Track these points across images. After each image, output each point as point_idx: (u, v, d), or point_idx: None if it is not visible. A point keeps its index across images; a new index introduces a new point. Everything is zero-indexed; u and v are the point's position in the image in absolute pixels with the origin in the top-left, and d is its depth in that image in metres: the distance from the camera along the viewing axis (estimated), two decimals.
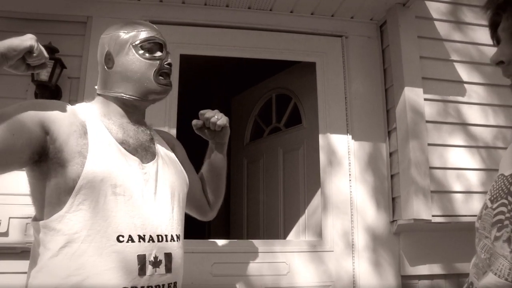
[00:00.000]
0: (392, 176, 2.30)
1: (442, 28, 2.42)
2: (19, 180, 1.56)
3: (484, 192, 2.23)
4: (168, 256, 1.15)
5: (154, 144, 1.29)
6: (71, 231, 1.05)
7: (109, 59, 1.25)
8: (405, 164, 2.15)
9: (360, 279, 2.15)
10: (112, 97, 1.25)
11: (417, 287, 2.20)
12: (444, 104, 2.32)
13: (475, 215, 2.39)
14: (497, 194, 0.84)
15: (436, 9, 2.44)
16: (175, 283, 1.17)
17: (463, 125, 2.32)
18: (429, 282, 2.21)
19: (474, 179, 2.25)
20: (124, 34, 1.25)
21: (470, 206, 2.20)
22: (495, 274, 0.77)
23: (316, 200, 2.53)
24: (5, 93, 1.97)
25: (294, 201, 2.75)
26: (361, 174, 2.27)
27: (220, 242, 2.13)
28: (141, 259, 1.09)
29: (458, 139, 2.29)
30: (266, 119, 3.17)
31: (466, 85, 2.38)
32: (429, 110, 2.27)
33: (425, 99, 2.25)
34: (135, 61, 1.23)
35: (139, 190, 1.14)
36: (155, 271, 1.11)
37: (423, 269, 2.20)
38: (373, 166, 2.30)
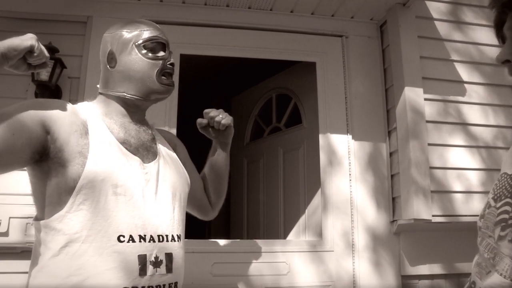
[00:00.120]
0: (392, 176, 2.30)
1: (442, 28, 2.42)
2: (19, 180, 1.57)
3: (485, 192, 2.24)
4: (169, 256, 1.15)
5: (155, 143, 1.29)
6: (71, 231, 1.05)
7: (111, 58, 1.25)
8: (405, 164, 2.15)
9: (360, 279, 2.15)
10: (114, 96, 1.25)
11: (417, 287, 2.20)
12: (444, 104, 2.32)
13: (475, 215, 2.39)
14: (501, 193, 0.84)
15: (436, 9, 2.44)
16: (175, 283, 1.16)
17: (463, 125, 2.32)
18: (429, 282, 2.21)
19: (474, 179, 2.25)
20: (127, 33, 1.25)
21: (470, 206, 2.20)
22: (500, 274, 0.77)
23: (316, 200, 2.53)
24: (5, 93, 1.97)
25: (294, 201, 2.75)
26: (361, 174, 2.27)
27: (220, 242, 2.13)
28: (142, 259, 1.09)
29: (458, 139, 2.29)
30: (266, 119, 3.17)
31: (466, 85, 2.38)
32: (429, 110, 2.27)
33: (425, 99, 2.25)
34: (138, 60, 1.23)
35: (140, 190, 1.14)
36: (156, 271, 1.11)
37: (423, 269, 2.20)
38: (373, 166, 2.30)
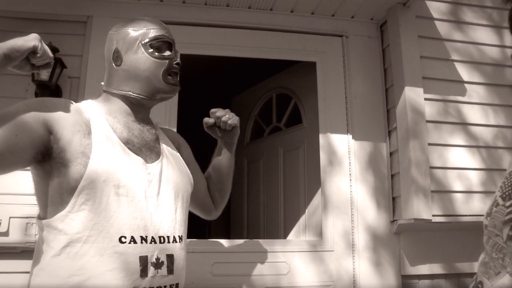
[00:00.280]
0: (392, 176, 2.29)
1: (443, 28, 2.42)
2: (19, 180, 1.57)
3: (485, 192, 2.24)
4: (170, 257, 1.14)
5: (159, 143, 1.28)
6: (73, 231, 1.05)
7: (117, 57, 1.24)
8: (406, 163, 2.15)
9: (361, 279, 2.15)
10: (118, 95, 1.24)
11: (417, 287, 2.20)
12: (444, 103, 2.32)
13: (476, 215, 2.40)
14: (510, 191, 0.83)
15: (436, 9, 2.44)
16: (177, 285, 1.16)
17: (463, 124, 2.32)
18: (430, 282, 2.21)
19: (474, 179, 2.25)
20: (133, 32, 1.24)
21: (471, 206, 2.20)
22: (511, 275, 0.77)
23: (317, 199, 2.53)
24: (5, 92, 1.97)
25: (294, 200, 2.75)
26: (362, 174, 2.27)
27: (221, 241, 2.13)
28: (143, 260, 1.08)
29: (459, 139, 2.29)
30: (267, 119, 3.17)
31: (466, 85, 2.38)
32: (430, 109, 2.26)
33: (426, 99, 2.25)
34: (144, 59, 1.22)
35: (142, 191, 1.14)
36: (157, 273, 1.10)
37: (424, 269, 2.20)
38: (374, 166, 2.30)
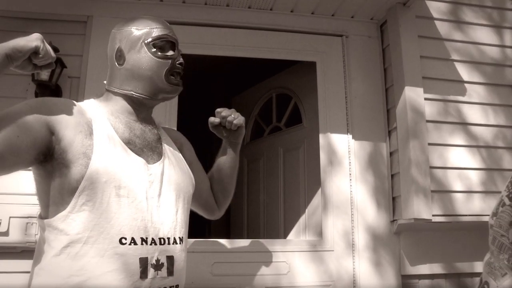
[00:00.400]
0: (392, 176, 2.29)
1: (443, 28, 2.42)
2: (19, 180, 1.57)
3: (485, 192, 2.24)
4: (170, 259, 1.14)
5: (161, 143, 1.28)
6: (73, 232, 1.05)
7: (120, 56, 1.24)
8: (406, 163, 2.15)
9: (361, 279, 2.15)
10: (120, 94, 1.24)
11: (417, 286, 2.20)
12: (444, 103, 2.32)
13: (476, 215, 2.40)
14: None
15: (436, 9, 2.44)
16: (177, 286, 1.16)
17: (463, 124, 2.32)
18: (430, 282, 2.21)
19: (474, 179, 2.25)
20: (136, 31, 1.24)
21: (471, 206, 2.21)
22: None
23: (317, 199, 2.53)
24: (5, 92, 1.97)
25: (294, 200, 2.75)
26: (362, 174, 2.27)
27: (221, 241, 2.13)
28: (143, 262, 1.08)
29: (459, 139, 2.29)
30: (267, 119, 3.17)
31: (466, 85, 2.38)
32: (430, 109, 2.26)
33: (426, 99, 2.25)
34: (147, 59, 1.22)
35: (143, 192, 1.14)
36: (157, 274, 1.10)
37: (424, 269, 2.20)
38: (374, 166, 2.30)
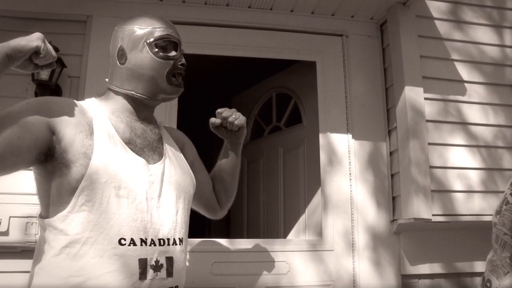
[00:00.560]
0: (392, 176, 2.30)
1: (443, 27, 2.42)
2: (19, 179, 1.57)
3: (485, 192, 2.24)
4: (170, 260, 1.14)
5: (162, 143, 1.27)
6: (73, 232, 1.05)
7: (122, 54, 1.23)
8: (406, 163, 2.15)
9: (360, 278, 2.15)
10: (122, 93, 1.23)
11: (417, 286, 2.20)
12: (444, 103, 2.32)
13: (476, 215, 2.40)
14: None
15: (436, 8, 2.44)
16: (176, 287, 1.16)
17: (463, 124, 2.32)
18: (430, 282, 2.21)
19: (474, 179, 2.25)
20: (139, 30, 1.22)
21: (471, 206, 2.21)
22: None
23: (316, 199, 2.53)
24: (5, 92, 1.97)
25: (294, 200, 2.75)
26: (362, 173, 2.27)
27: (220, 241, 2.13)
28: (143, 263, 1.08)
29: (459, 139, 2.29)
30: (266, 119, 3.17)
31: (466, 84, 2.38)
32: (430, 109, 2.27)
33: (426, 98, 2.25)
34: (148, 59, 1.21)
35: (143, 192, 1.13)
36: (156, 275, 1.10)
37: (424, 268, 2.20)
38: (374, 165, 2.30)
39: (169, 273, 1.13)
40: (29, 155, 1.02)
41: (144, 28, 1.23)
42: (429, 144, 2.20)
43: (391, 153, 2.32)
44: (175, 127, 2.11)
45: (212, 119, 1.41)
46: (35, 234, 1.84)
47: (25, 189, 1.73)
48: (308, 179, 2.66)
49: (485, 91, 2.40)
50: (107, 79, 1.28)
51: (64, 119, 1.08)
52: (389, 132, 2.34)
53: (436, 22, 2.42)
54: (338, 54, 2.42)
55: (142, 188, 1.13)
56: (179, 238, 1.18)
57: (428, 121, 2.23)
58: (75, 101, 1.17)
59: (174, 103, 2.15)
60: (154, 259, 1.11)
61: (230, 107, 1.44)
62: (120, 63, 1.23)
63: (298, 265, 2.13)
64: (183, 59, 1.27)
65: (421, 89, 2.22)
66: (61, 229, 1.05)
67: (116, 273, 1.05)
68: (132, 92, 1.22)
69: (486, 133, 2.34)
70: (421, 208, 2.06)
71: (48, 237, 1.07)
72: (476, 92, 2.38)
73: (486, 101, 2.38)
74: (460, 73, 2.38)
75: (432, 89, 2.29)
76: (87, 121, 1.12)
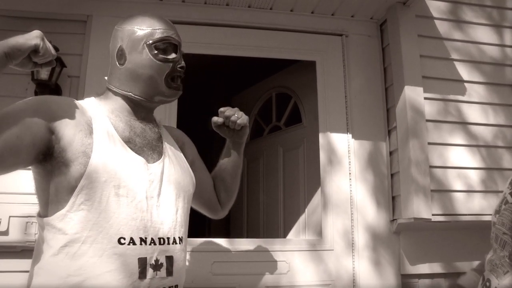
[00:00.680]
0: (392, 175, 2.30)
1: (442, 27, 2.42)
2: (19, 179, 1.56)
3: (485, 191, 2.24)
4: (170, 259, 1.14)
5: (161, 142, 1.27)
6: (72, 231, 1.05)
7: (121, 55, 1.22)
8: (405, 163, 2.15)
9: (360, 278, 2.15)
10: (120, 94, 1.23)
11: (417, 286, 2.20)
12: (444, 103, 2.32)
13: (475, 214, 2.39)
14: None
15: (436, 8, 2.44)
16: (176, 286, 1.16)
17: (463, 124, 2.32)
18: (429, 281, 2.21)
19: (474, 178, 2.25)
20: (139, 31, 1.21)
21: (470, 205, 2.21)
22: None
23: (316, 199, 2.53)
24: (5, 91, 1.96)
25: (294, 200, 2.75)
26: (361, 173, 2.27)
27: (220, 241, 2.13)
28: (142, 262, 1.08)
29: (458, 138, 2.29)
30: (266, 118, 3.17)
31: (466, 84, 2.38)
32: (429, 109, 2.26)
33: (425, 98, 2.25)
34: (148, 61, 1.20)
35: (143, 191, 1.13)
36: (156, 274, 1.10)
37: (423, 268, 2.20)
38: (373, 165, 2.30)
39: (169, 272, 1.13)
40: (28, 154, 1.02)
41: (144, 29, 1.22)
42: (429, 143, 2.20)
43: (391, 153, 2.32)
44: (175, 127, 2.11)
45: (215, 118, 1.40)
46: (35, 234, 1.84)
47: (25, 188, 1.72)
48: (308, 179, 2.66)
49: (485, 90, 2.40)
50: (106, 77, 1.27)
51: (63, 118, 1.08)
52: (389, 131, 2.34)
53: (436, 21, 2.42)
54: (338, 54, 2.42)
55: (141, 187, 1.13)
56: (179, 237, 1.18)
57: (428, 120, 2.23)
58: (74, 100, 1.17)
59: (174, 102, 2.15)
60: (154, 258, 1.10)
61: (231, 107, 1.43)
62: (119, 64, 1.23)
63: (298, 265, 2.13)
64: (183, 62, 1.26)
65: (421, 89, 2.22)
66: (60, 228, 1.05)
67: (115, 272, 1.04)
68: (130, 93, 1.22)
69: (486, 133, 2.34)
70: (421, 208, 2.06)
71: (47, 236, 1.07)
72: (476, 91, 2.38)
73: (486, 101, 2.38)
74: (460, 72, 2.38)
75: (432, 89, 2.29)
76: (86, 120, 1.12)
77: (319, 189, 2.30)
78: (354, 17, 2.45)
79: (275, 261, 2.11)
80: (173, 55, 1.23)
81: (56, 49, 1.97)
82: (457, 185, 2.22)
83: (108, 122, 1.16)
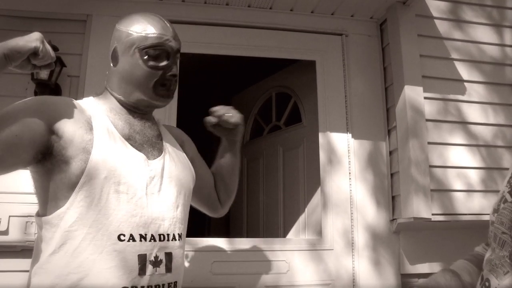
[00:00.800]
0: (392, 175, 2.30)
1: (442, 27, 2.42)
2: (19, 179, 1.56)
3: (485, 191, 2.24)
4: (169, 255, 1.14)
5: (161, 139, 1.27)
6: (72, 228, 1.05)
7: (115, 57, 1.22)
8: (405, 162, 2.15)
9: (360, 278, 2.15)
10: (115, 96, 1.23)
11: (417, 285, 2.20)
12: (444, 102, 2.32)
13: (475, 214, 2.39)
14: None
15: (436, 7, 2.44)
16: (175, 283, 1.16)
17: (463, 123, 2.32)
18: None
19: (474, 178, 2.25)
20: (132, 34, 1.20)
21: (470, 205, 2.21)
22: None
23: (316, 198, 2.53)
24: (5, 91, 1.96)
25: (294, 199, 2.75)
26: (361, 173, 2.27)
27: (220, 240, 2.13)
28: (142, 258, 1.08)
29: (458, 138, 2.29)
30: (266, 118, 3.17)
31: (466, 84, 2.37)
32: (429, 108, 2.26)
33: (425, 98, 2.24)
34: (137, 66, 1.18)
35: (143, 188, 1.13)
36: (155, 271, 1.10)
37: (423, 268, 2.20)
38: (373, 165, 2.30)
39: (168, 269, 1.13)
40: (27, 154, 1.02)
41: (138, 33, 1.20)
42: (429, 143, 2.20)
43: (390, 153, 2.32)
44: (175, 126, 2.11)
45: (207, 118, 1.39)
46: (35, 234, 1.84)
47: (25, 188, 1.72)
48: (308, 178, 2.66)
49: (485, 90, 2.40)
50: (107, 72, 1.27)
51: (63, 117, 1.08)
52: (389, 131, 2.34)
53: (436, 21, 2.42)
54: (337, 54, 2.42)
55: (142, 184, 1.13)
56: (178, 234, 1.18)
57: (427, 120, 2.23)
58: (73, 100, 1.17)
59: (174, 102, 2.15)
60: (154, 254, 1.11)
61: (226, 106, 1.42)
62: (113, 65, 1.23)
63: (297, 264, 2.13)
64: (174, 69, 1.23)
65: (420, 89, 2.22)
66: (60, 226, 1.05)
67: (115, 269, 1.05)
68: (121, 97, 1.22)
69: (485, 133, 2.34)
70: (421, 208, 2.06)
71: (46, 235, 1.07)
72: (476, 91, 2.38)
73: (486, 101, 2.38)
74: (460, 72, 2.38)
75: (431, 89, 2.29)
76: (86, 118, 1.12)
77: (319, 188, 2.30)
78: (354, 17, 2.45)
79: (275, 261, 2.11)
80: (164, 62, 1.20)
81: (56, 48, 1.98)
82: (457, 184, 2.22)
83: (107, 120, 1.17)
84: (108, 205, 1.07)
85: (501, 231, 0.83)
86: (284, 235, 2.75)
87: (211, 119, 1.39)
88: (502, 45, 2.50)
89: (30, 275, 1.10)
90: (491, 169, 2.29)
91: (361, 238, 2.20)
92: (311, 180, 2.60)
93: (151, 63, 1.19)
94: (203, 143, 2.14)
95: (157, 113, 1.37)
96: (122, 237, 1.07)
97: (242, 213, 3.17)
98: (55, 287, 1.03)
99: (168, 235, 1.15)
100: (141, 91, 1.20)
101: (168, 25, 1.26)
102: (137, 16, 1.25)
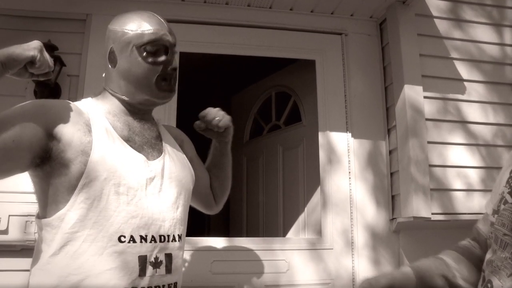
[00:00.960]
0: (391, 174, 2.30)
1: (442, 26, 2.42)
2: (18, 178, 1.56)
3: (485, 190, 2.23)
4: (169, 256, 1.14)
5: (160, 140, 1.27)
6: (72, 230, 1.05)
7: (113, 57, 1.21)
8: (405, 162, 2.15)
9: (360, 277, 2.15)
10: (115, 96, 1.23)
11: None
12: (444, 102, 2.32)
13: (475, 213, 2.40)
14: None
15: (436, 7, 2.44)
16: (175, 284, 1.16)
17: (462, 123, 2.32)
18: None
19: (474, 177, 2.25)
20: (128, 33, 1.19)
21: (470, 204, 2.21)
22: None
23: (316, 198, 2.53)
24: (4, 91, 1.95)
25: (293, 199, 2.75)
26: (361, 172, 2.27)
27: (220, 239, 2.13)
28: (142, 260, 1.08)
29: (458, 137, 2.29)
30: (266, 117, 3.17)
31: (466, 83, 2.37)
32: (429, 108, 2.26)
33: (425, 97, 2.24)
34: (137, 64, 1.18)
35: (143, 189, 1.13)
36: (156, 272, 1.10)
37: None
38: (373, 164, 2.30)
39: (168, 270, 1.13)
40: (24, 159, 1.02)
41: (133, 31, 1.19)
42: (429, 142, 2.20)
43: (390, 152, 2.32)
44: (174, 126, 2.11)
45: (197, 123, 1.39)
46: (35, 233, 1.84)
47: (25, 187, 1.71)
48: (308, 178, 2.66)
49: (485, 89, 2.40)
50: (103, 75, 1.26)
51: (61, 120, 1.07)
52: (389, 130, 2.34)
53: (436, 20, 2.42)
54: (337, 53, 2.42)
55: (142, 185, 1.13)
56: (178, 235, 1.18)
57: (427, 119, 2.23)
58: (71, 102, 1.16)
59: (174, 102, 2.15)
60: (154, 255, 1.11)
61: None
62: (111, 66, 1.22)
63: (297, 264, 2.13)
64: (174, 63, 1.23)
65: (420, 88, 2.22)
66: (60, 228, 1.05)
67: (115, 270, 1.05)
68: (124, 97, 1.21)
69: (485, 132, 2.34)
70: (421, 207, 2.06)
71: (46, 237, 1.07)
72: (475, 90, 2.38)
73: (485, 100, 2.38)
74: (460, 71, 2.38)
75: (431, 88, 2.29)
76: (85, 120, 1.12)
77: (319, 188, 2.30)
78: (354, 16, 2.44)
79: (275, 260, 2.11)
80: (163, 57, 1.20)
81: (56, 48, 1.98)
82: (456, 184, 2.22)
83: (106, 121, 1.16)
84: (108, 206, 1.07)
85: (503, 233, 0.82)
86: (284, 235, 2.75)
87: (200, 124, 1.39)
88: (502, 44, 2.50)
89: (29, 277, 1.10)
90: (491, 168, 2.29)
91: (360, 238, 2.20)
92: (310, 179, 2.60)
93: (151, 59, 1.18)
94: (203, 142, 2.14)
95: (157, 113, 1.37)
96: (122, 239, 1.07)
97: (242, 213, 3.17)
98: None
99: (168, 236, 1.15)
100: (145, 90, 1.20)
101: (162, 20, 1.26)
102: (130, 15, 1.25)
